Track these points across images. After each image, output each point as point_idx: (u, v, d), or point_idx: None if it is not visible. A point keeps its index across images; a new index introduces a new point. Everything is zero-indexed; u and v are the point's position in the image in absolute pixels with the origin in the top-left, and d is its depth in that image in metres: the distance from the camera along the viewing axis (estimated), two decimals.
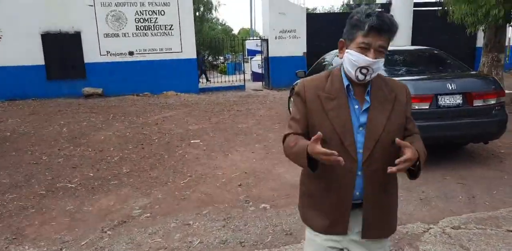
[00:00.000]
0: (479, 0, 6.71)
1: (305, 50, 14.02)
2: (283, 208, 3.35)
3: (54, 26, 11.55)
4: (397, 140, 1.26)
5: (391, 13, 14.04)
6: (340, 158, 1.19)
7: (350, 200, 1.40)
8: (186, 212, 3.32)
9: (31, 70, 11.56)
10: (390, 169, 1.22)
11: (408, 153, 1.24)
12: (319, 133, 1.22)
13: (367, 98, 1.36)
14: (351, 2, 34.63)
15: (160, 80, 12.61)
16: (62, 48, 11.69)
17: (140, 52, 12.42)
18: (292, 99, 1.54)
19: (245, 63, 20.11)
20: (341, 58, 1.38)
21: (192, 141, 5.85)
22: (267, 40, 13.80)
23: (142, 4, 12.11)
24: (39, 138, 6.21)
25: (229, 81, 15.25)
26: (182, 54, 12.79)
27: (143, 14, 12.19)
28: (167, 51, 12.64)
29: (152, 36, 12.41)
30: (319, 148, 1.20)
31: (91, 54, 11.98)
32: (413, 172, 1.35)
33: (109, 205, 3.50)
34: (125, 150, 5.37)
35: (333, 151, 1.18)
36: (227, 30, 38.14)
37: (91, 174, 4.30)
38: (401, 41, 13.76)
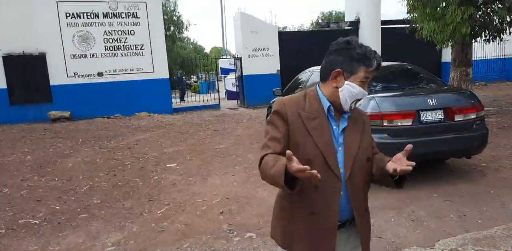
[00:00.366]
0: (446, 18, 6.92)
1: (279, 68, 14.09)
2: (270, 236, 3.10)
3: (16, 48, 11.05)
4: (409, 146, 1.32)
5: (360, 31, 14.45)
6: (314, 171, 1.17)
7: (337, 220, 1.41)
8: (165, 247, 3.03)
9: None
10: (396, 167, 1.28)
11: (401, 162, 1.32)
12: (288, 151, 1.19)
13: (346, 120, 1.45)
14: (320, 21, 35.72)
15: (132, 101, 12.23)
16: (25, 70, 11.18)
17: (110, 73, 12.06)
18: (270, 118, 1.49)
19: (218, 82, 20.02)
20: (337, 87, 1.41)
21: (168, 165, 5.55)
22: (240, 59, 13.78)
23: (111, 24, 11.86)
24: (0, 167, 5.72)
25: (203, 100, 15.03)
26: (154, 74, 12.52)
27: (112, 34, 11.91)
28: (138, 71, 12.35)
29: (122, 56, 12.12)
30: (294, 165, 1.17)
31: (57, 76, 11.51)
32: (399, 182, 1.41)
33: (78, 243, 3.15)
34: (95, 177, 5.00)
35: (306, 166, 1.16)
36: (198, 49, 38.24)
37: (58, 207, 3.92)
38: None
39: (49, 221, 3.58)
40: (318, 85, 1.50)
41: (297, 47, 14.16)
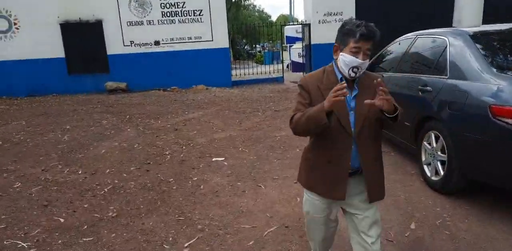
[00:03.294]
0: None
1: None
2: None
3: (73, 15, 10.50)
4: (381, 88, 1.52)
5: None
6: (345, 90, 1.48)
7: (348, 169, 1.70)
8: None
9: (51, 63, 10.65)
10: (371, 101, 1.56)
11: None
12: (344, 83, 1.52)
13: (356, 87, 1.69)
14: None
15: (189, 73, 11.30)
16: (83, 39, 10.66)
17: (167, 42, 11.14)
18: (298, 91, 1.77)
19: (283, 52, 18.43)
20: (336, 59, 1.69)
21: (214, 159, 4.41)
22: (309, 25, 12.03)
23: None
24: (30, 150, 5.04)
25: (265, 72, 13.69)
26: (213, 43, 11.37)
27: None
28: (196, 40, 11.27)
29: (180, 23, 11.07)
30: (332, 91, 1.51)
31: (114, 45, 10.87)
32: (393, 119, 1.62)
33: None
34: (124, 173, 4.03)
35: (343, 83, 1.51)
36: (264, 17, 36.36)
37: (62, 220, 2.97)
38: (470, 20, 11.48)
39: (40, 246, 2.62)
40: (334, 60, 1.73)
41: (378, 11, 11.97)
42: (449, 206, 2.99)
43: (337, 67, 1.70)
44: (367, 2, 11.94)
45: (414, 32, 4.09)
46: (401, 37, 4.44)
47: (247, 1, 31.37)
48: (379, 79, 1.56)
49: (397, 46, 4.38)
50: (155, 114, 7.38)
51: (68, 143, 5.38)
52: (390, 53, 4.56)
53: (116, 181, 3.78)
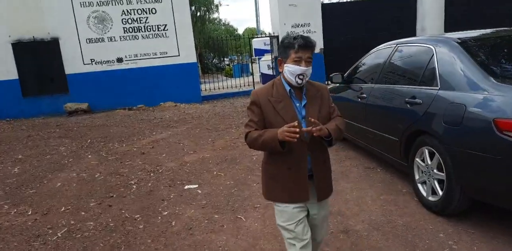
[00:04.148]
0: None
1: (322, 47, 12.06)
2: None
3: (26, 33, 9.80)
4: (311, 119, 1.70)
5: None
6: (297, 129, 1.65)
7: (307, 174, 1.85)
8: None
9: (3, 86, 9.83)
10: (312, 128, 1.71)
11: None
12: (295, 122, 1.68)
13: (304, 97, 1.85)
14: None
15: (156, 89, 10.79)
16: (38, 58, 9.95)
17: (131, 59, 10.61)
18: (248, 106, 1.88)
19: (252, 64, 18.22)
20: (281, 71, 1.83)
21: (186, 187, 3.95)
22: (277, 37, 11.87)
23: (130, 2, 10.31)
24: None
25: (236, 86, 13.37)
26: (180, 58, 10.95)
27: (131, 14, 10.39)
28: (162, 55, 10.82)
29: (144, 38, 10.60)
30: (284, 127, 1.68)
31: (73, 63, 10.22)
32: (328, 142, 1.84)
33: None
34: (82, 210, 3.49)
35: (294, 123, 1.67)
36: (230, 30, 36.36)
37: None
38: (434, 28, 11.70)
39: None
40: (281, 74, 1.86)
41: (344, 22, 12.02)
42: (452, 230, 2.68)
43: (285, 79, 1.84)
44: (333, 12, 11.96)
45: (393, 41, 3.87)
46: (379, 46, 4.22)
47: (212, 15, 31.28)
48: (325, 86, 1.93)
49: (376, 56, 4.14)
50: (120, 137, 6.83)
51: (19, 176, 4.75)
52: (369, 64, 4.32)
53: (72, 222, 3.24)
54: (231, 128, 6.97)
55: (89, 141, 6.64)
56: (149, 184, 4.12)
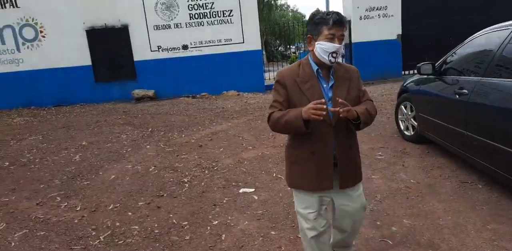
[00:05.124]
0: None
1: (400, 32, 10.85)
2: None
3: (98, 20, 10.04)
4: (339, 99, 1.63)
5: None
6: (324, 106, 1.57)
7: (332, 159, 1.76)
8: None
9: (78, 71, 10.25)
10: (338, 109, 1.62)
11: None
12: (322, 99, 1.64)
13: (332, 77, 1.76)
14: None
15: (220, 78, 10.54)
16: (109, 45, 10.17)
17: (196, 46, 10.44)
18: (274, 86, 1.81)
19: None
20: (312, 49, 1.74)
21: (241, 190, 3.52)
22: (349, 22, 10.89)
23: None
24: (35, 174, 4.40)
25: None
26: (244, 46, 10.52)
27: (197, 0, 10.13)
28: (226, 42, 10.48)
29: (209, 25, 10.33)
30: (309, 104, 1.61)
31: (141, 50, 10.31)
32: (356, 126, 1.75)
33: None
34: (130, 210, 3.23)
35: (321, 100, 1.61)
36: (298, 17, 35.24)
37: None
38: None
39: None
40: (309, 54, 1.79)
41: (427, 6, 10.65)
42: None
43: (312, 59, 1.77)
44: None
45: (509, 22, 2.99)
46: (485, 29, 3.35)
47: (280, 1, 30.45)
48: (354, 68, 1.82)
49: (482, 42, 3.28)
50: (180, 126, 6.63)
51: (78, 164, 4.71)
52: (470, 51, 3.47)
53: (118, 224, 2.98)
54: None
55: (150, 129, 6.54)
56: (202, 183, 3.77)
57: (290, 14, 36.44)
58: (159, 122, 7.09)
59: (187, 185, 3.75)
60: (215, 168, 4.22)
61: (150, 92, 10.37)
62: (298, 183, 1.82)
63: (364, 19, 10.72)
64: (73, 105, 10.16)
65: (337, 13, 1.66)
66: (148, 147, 5.37)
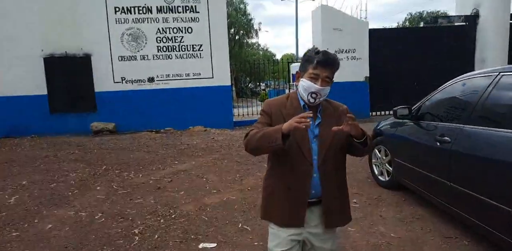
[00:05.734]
0: None
1: (368, 75, 11.11)
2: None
3: (59, 48, 9.54)
4: (349, 115, 1.53)
5: (479, 27, 10.94)
6: (310, 114, 1.50)
7: (306, 197, 1.69)
8: None
9: (32, 101, 9.52)
10: (339, 128, 1.56)
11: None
12: (310, 112, 1.55)
13: (319, 115, 1.71)
14: (407, 23, 31.43)
15: (186, 112, 10.15)
16: (68, 74, 9.62)
17: (162, 79, 10.10)
18: (260, 113, 1.78)
19: (290, 90, 17.47)
20: (297, 85, 1.71)
21: (201, 245, 3.02)
22: None
23: (166, 20, 9.91)
24: None
25: None
26: (214, 81, 10.32)
27: (166, 32, 9.96)
28: (195, 77, 10.24)
29: (177, 58, 10.10)
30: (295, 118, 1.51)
31: (103, 81, 9.81)
32: (363, 144, 1.63)
33: None
34: None
35: (308, 113, 1.53)
36: (268, 56, 36.19)
37: None
38: (496, 60, 10.50)
39: None
40: (297, 88, 1.75)
41: (394, 50, 11.07)
42: None
43: (300, 95, 1.74)
44: (382, 38, 11.06)
45: (492, 69, 2.88)
46: (464, 75, 3.23)
47: (251, 40, 31.26)
48: (344, 106, 1.64)
49: (462, 88, 3.15)
50: (139, 164, 6.07)
51: (12, 209, 4.02)
52: (449, 97, 3.32)
53: None
54: (264, 161, 6.03)
55: (104, 167, 5.93)
56: (156, 236, 3.23)
57: (261, 52, 37.42)
58: (116, 159, 6.49)
59: (137, 238, 3.20)
60: (173, 216, 3.70)
61: (110, 126, 9.75)
62: (271, 215, 1.77)
63: None
64: (24, 137, 9.31)
65: (325, 53, 1.62)
66: (98, 188, 4.77)
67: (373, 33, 11.11)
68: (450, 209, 3.00)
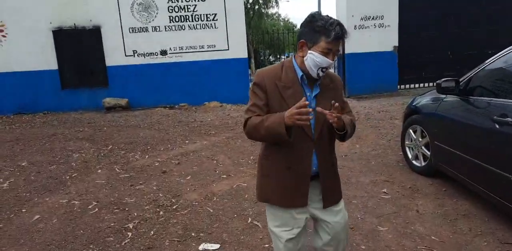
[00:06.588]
0: None
1: (397, 44, 10.13)
2: None
3: (67, 20, 9.05)
4: (335, 103, 1.44)
5: None
6: (310, 109, 1.39)
7: (309, 175, 1.60)
8: None
9: (42, 76, 9.20)
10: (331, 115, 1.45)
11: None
12: (304, 99, 1.40)
13: (317, 86, 1.60)
14: None
15: (201, 87, 9.62)
16: (78, 48, 9.18)
17: (176, 51, 9.52)
18: (251, 88, 1.60)
19: None
20: (302, 56, 1.54)
21: (202, 247, 2.56)
22: None
23: None
24: None
25: None
26: (229, 53, 9.65)
27: (178, 1, 9.24)
28: (209, 49, 9.59)
29: (190, 29, 9.44)
30: (292, 109, 1.41)
31: (114, 55, 9.33)
32: (342, 136, 1.60)
33: None
34: None
35: (304, 102, 1.38)
36: (290, 27, 34.74)
37: None
38: None
39: None
40: (294, 56, 1.61)
41: (427, 15, 9.97)
42: None
43: (298, 65, 1.59)
44: (414, 3, 9.95)
45: None
46: None
47: (271, 9, 29.89)
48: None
49: None
50: (146, 144, 5.66)
51: (2, 196, 3.68)
52: (510, 68, 2.61)
53: None
54: None
55: (110, 147, 5.55)
56: (151, 232, 2.79)
57: (281, 23, 35.94)
58: (124, 138, 6.10)
59: (130, 235, 2.77)
60: (174, 207, 3.25)
61: (123, 102, 9.36)
62: (270, 197, 1.65)
63: (359, 29, 9.96)
64: (35, 114, 9.09)
65: (341, 26, 1.47)
66: (99, 171, 4.38)
67: None
68: (509, 208, 2.39)
